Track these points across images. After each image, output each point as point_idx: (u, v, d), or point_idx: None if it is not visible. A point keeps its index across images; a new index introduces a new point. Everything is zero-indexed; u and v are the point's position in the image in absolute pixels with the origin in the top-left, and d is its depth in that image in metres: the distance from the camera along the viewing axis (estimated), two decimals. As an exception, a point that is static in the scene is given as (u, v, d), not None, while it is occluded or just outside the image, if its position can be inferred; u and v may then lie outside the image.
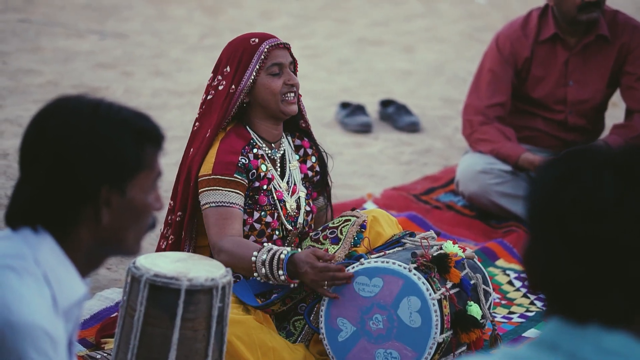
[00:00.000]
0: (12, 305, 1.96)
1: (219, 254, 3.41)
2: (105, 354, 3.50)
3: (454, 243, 3.52)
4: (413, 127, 6.47)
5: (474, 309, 3.41)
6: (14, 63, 7.01)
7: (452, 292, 3.37)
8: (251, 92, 3.55)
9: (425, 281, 3.30)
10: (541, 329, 1.45)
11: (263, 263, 3.34)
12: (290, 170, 3.65)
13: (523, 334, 3.91)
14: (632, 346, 1.54)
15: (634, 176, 1.56)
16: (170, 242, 3.57)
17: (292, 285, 3.39)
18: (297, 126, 3.73)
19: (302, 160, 3.72)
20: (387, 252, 3.49)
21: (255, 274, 3.37)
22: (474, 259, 3.58)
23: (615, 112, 5.79)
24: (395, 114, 6.55)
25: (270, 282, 3.38)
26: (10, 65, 6.96)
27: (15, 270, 2.00)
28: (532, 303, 4.19)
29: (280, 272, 3.33)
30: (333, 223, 3.62)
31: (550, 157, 1.65)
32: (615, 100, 5.46)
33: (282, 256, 3.33)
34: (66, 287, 2.04)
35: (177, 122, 6.13)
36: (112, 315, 3.70)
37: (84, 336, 3.62)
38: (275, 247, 3.36)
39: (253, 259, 3.35)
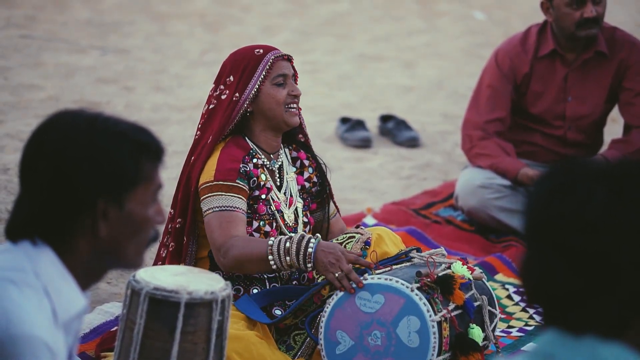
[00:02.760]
0: (12, 317, 1.97)
1: (227, 252, 3.39)
2: (105, 368, 3.50)
3: (463, 263, 3.53)
4: (413, 142, 6.49)
5: (476, 332, 3.41)
6: (16, 78, 7.03)
7: (454, 314, 3.37)
8: (255, 101, 3.57)
9: (427, 302, 3.30)
10: (537, 340, 1.46)
11: (291, 240, 3.36)
12: (287, 181, 3.67)
13: (522, 348, 3.91)
14: (627, 357, 1.55)
15: (627, 190, 1.57)
16: (170, 249, 3.57)
17: (309, 265, 3.35)
18: (294, 139, 3.75)
19: (299, 172, 3.73)
20: (394, 267, 3.49)
21: (269, 255, 3.35)
22: (483, 280, 3.59)
23: (614, 128, 5.81)
24: (395, 129, 6.57)
25: (287, 259, 3.35)
26: (12, 80, 6.98)
27: (15, 283, 2.00)
28: (531, 317, 4.20)
29: (313, 240, 3.34)
30: (337, 239, 3.63)
31: (547, 170, 1.66)
32: (614, 116, 5.48)
33: (314, 239, 3.37)
34: (66, 300, 2.05)
35: (177, 137, 6.15)
36: (112, 329, 3.71)
37: (84, 350, 3.62)
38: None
39: (271, 242, 3.36)
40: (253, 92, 3.54)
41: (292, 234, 3.41)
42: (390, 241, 3.64)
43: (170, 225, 3.60)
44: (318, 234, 3.43)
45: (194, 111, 6.70)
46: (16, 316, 1.97)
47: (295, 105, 3.58)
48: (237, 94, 3.54)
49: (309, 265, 3.35)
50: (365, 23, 9.87)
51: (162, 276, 2.83)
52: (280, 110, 3.55)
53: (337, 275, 3.33)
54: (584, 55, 4.99)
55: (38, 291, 2.01)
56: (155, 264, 3.63)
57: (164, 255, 3.60)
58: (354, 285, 3.34)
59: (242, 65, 3.55)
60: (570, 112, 5.06)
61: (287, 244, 3.36)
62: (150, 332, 2.75)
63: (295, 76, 3.63)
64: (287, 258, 3.35)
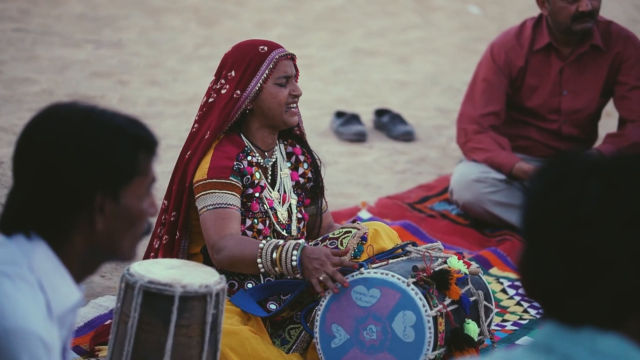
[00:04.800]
0: (6, 311, 1.96)
1: (219, 252, 3.39)
2: (99, 362, 3.50)
3: (459, 258, 3.52)
4: (407, 136, 6.49)
5: (471, 327, 3.41)
6: (10, 72, 7.01)
7: (450, 309, 3.37)
8: (256, 99, 3.55)
9: (423, 297, 3.30)
10: (536, 333, 1.46)
11: (276, 246, 3.33)
12: (281, 178, 3.66)
13: (516, 342, 3.91)
14: (625, 348, 1.55)
15: (620, 184, 1.57)
16: (164, 242, 3.56)
17: (297, 276, 3.36)
18: (290, 134, 3.74)
19: (294, 168, 3.72)
20: (391, 261, 3.49)
21: (258, 261, 3.35)
22: (479, 275, 3.59)
23: (609, 122, 5.81)
24: (389, 123, 6.57)
25: (275, 269, 3.35)
26: (6, 74, 6.96)
27: (9, 277, 2.00)
28: (525, 311, 4.20)
29: (295, 252, 3.31)
30: (333, 234, 3.62)
31: (541, 164, 1.66)
32: (609, 110, 5.48)
33: (301, 241, 3.35)
34: (60, 294, 2.04)
35: (172, 131, 6.14)
36: (106, 323, 3.71)
37: (78, 343, 3.62)
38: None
39: (261, 245, 3.34)
40: (255, 90, 3.52)
41: (280, 241, 3.37)
42: (387, 236, 3.64)
43: (164, 217, 3.58)
44: (302, 240, 3.39)
45: (188, 105, 6.69)
46: (10, 310, 1.96)
47: (295, 105, 3.58)
48: (238, 91, 3.52)
49: (298, 275, 3.35)
50: (360, 18, 9.86)
51: (157, 269, 2.82)
52: (280, 110, 3.54)
53: (321, 278, 3.30)
54: (579, 49, 4.99)
55: (32, 285, 2.00)
56: (147, 255, 3.62)
57: (156, 246, 3.58)
58: (351, 279, 3.33)
59: (246, 61, 3.52)
60: (566, 106, 5.06)
61: (274, 255, 3.33)
62: (144, 326, 2.75)
63: (296, 75, 3.62)
64: (276, 269, 3.36)
